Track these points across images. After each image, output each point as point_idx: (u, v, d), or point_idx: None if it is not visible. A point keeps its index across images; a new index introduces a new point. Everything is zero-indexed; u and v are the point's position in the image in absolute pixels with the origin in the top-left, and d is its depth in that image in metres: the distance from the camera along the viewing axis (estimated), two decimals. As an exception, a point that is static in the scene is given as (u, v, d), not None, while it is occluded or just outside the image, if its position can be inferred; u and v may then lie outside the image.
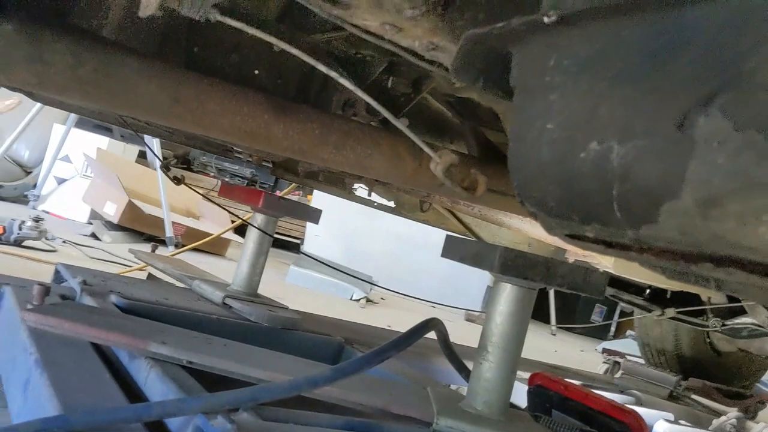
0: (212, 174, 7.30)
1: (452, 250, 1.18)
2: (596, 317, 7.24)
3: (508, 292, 1.13)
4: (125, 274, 2.28)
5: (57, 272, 1.76)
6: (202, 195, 2.73)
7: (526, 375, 1.98)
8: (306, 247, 6.00)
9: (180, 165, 7.06)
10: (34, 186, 4.56)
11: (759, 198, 0.48)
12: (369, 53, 1.64)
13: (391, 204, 2.62)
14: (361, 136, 1.32)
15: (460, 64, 0.72)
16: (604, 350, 4.04)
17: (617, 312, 6.86)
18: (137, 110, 1.15)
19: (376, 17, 0.75)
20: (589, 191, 0.60)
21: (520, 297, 1.13)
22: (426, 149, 0.87)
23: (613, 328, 7.04)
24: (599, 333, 6.64)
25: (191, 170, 7.20)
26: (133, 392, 1.04)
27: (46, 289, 1.16)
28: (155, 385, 1.00)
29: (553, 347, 4.99)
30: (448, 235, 1.19)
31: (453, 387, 1.94)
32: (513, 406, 1.36)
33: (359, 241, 5.85)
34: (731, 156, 0.49)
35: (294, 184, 3.15)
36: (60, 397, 0.88)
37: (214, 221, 4.85)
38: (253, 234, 1.84)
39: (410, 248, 5.60)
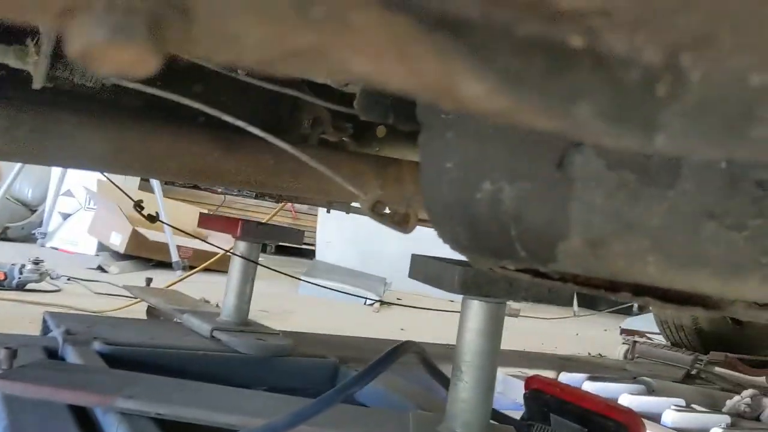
0: (219, 190, 7.32)
1: (417, 270, 1.15)
2: (619, 293, 7.14)
3: (475, 308, 1.10)
4: (120, 311, 2.28)
5: (44, 322, 1.76)
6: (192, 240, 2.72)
7: (533, 373, 1.93)
8: (319, 255, 5.98)
9: (187, 185, 7.09)
10: (40, 224, 4.61)
11: (639, 239, 0.46)
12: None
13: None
14: (319, 161, 1.30)
15: (366, 102, 0.69)
16: (623, 331, 3.98)
17: (639, 287, 6.76)
18: (81, 163, 1.14)
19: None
20: (491, 232, 0.57)
21: (489, 312, 1.10)
22: (350, 187, 0.85)
23: (636, 305, 6.95)
24: (625, 309, 6.55)
25: (198, 188, 7.23)
26: (104, 451, 1.04)
27: (13, 353, 1.15)
28: (120, 444, 0.99)
29: (574, 330, 4.94)
30: (413, 255, 1.16)
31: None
32: (503, 417, 1.34)
33: (373, 245, 5.83)
34: (607, 196, 0.46)
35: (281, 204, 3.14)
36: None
37: (222, 239, 4.85)
38: (236, 263, 1.83)
39: (425, 247, 5.56)
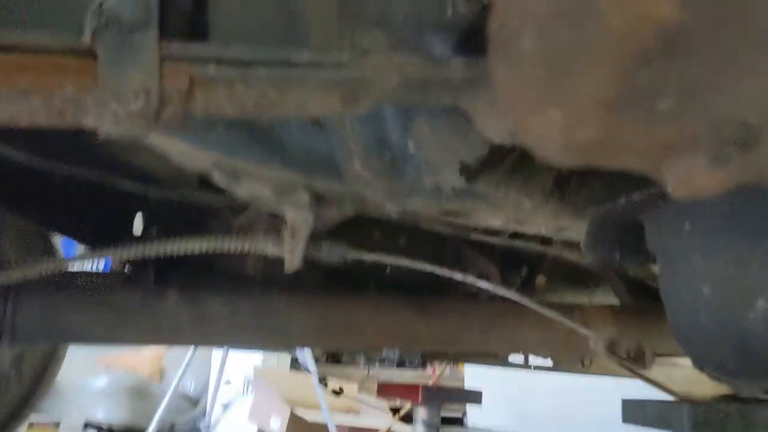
0: (361, 363, 7.38)
1: (632, 414, 1.11)
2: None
3: (707, 449, 1.03)
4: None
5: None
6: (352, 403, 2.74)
7: None
8: (471, 419, 5.77)
9: (329, 360, 7.21)
10: (204, 415, 4.78)
11: None
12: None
13: (548, 362, 2.53)
14: (504, 314, 1.32)
15: (592, 243, 0.72)
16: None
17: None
18: (290, 341, 1.21)
19: (497, 217, 0.77)
20: (770, 350, 0.56)
21: (722, 451, 1.03)
22: (580, 328, 0.86)
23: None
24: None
25: (340, 362, 7.31)
26: None
27: None
28: None
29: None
30: (624, 400, 1.13)
31: None
32: None
33: (526, 401, 5.59)
34: None
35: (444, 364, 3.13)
36: None
37: (374, 412, 4.83)
38: (419, 429, 1.82)
39: (581, 401, 5.28)
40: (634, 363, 0.84)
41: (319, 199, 0.77)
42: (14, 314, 1.04)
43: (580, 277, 2.13)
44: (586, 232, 0.71)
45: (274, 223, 1.41)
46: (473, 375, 5.78)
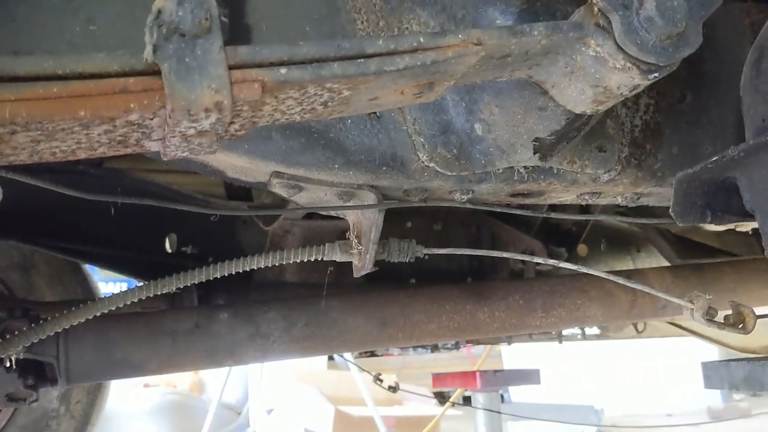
0: (396, 353, 7.34)
1: (715, 378, 1.06)
2: None
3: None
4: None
5: None
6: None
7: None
8: (517, 395, 5.74)
9: (364, 354, 7.18)
10: (248, 424, 4.77)
11: None
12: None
13: (595, 331, 2.49)
14: (565, 290, 1.27)
15: (682, 207, 0.67)
16: None
17: None
18: (350, 346, 1.17)
19: (572, 193, 0.73)
20: None
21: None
22: (676, 300, 0.81)
23: None
24: None
25: (375, 355, 7.29)
26: None
27: None
28: None
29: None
30: (704, 363, 1.08)
31: None
32: None
33: (576, 372, 5.55)
34: None
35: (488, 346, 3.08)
36: None
37: (417, 400, 4.80)
38: (479, 416, 1.78)
39: (633, 363, 5.25)
40: (734, 326, 0.79)
41: (384, 197, 0.73)
42: (67, 356, 1.00)
43: (621, 243, 2.09)
44: (674, 196, 0.66)
45: (310, 228, 1.37)
46: (509, 350, 5.74)
